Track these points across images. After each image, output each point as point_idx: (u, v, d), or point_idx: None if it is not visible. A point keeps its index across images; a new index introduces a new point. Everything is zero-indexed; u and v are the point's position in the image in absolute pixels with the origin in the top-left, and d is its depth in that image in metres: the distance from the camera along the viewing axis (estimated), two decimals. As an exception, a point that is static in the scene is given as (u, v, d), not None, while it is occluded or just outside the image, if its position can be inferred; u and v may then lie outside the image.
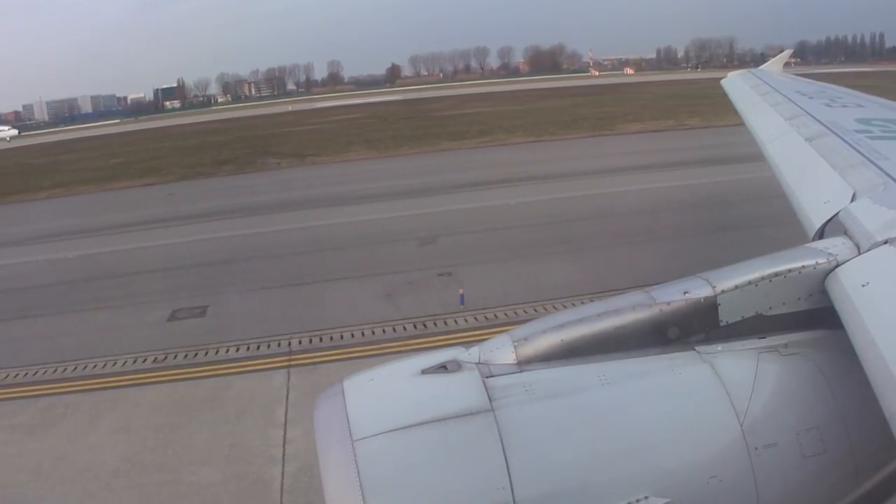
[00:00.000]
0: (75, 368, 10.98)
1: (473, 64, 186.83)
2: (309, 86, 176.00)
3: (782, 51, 16.71)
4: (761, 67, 12.64)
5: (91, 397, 9.89)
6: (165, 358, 11.02)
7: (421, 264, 14.70)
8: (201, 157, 40.93)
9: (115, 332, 12.48)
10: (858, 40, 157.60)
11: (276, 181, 29.40)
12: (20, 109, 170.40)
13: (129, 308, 13.82)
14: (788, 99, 7.41)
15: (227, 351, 11.11)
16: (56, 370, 11.00)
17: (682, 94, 55.63)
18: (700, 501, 2.40)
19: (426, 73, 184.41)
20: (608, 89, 73.55)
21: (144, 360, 11.00)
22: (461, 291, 12.20)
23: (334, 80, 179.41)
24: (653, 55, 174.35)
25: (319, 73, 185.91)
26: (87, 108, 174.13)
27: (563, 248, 15.12)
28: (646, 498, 2.34)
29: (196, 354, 11.08)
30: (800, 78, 10.59)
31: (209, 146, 47.91)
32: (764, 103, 7.78)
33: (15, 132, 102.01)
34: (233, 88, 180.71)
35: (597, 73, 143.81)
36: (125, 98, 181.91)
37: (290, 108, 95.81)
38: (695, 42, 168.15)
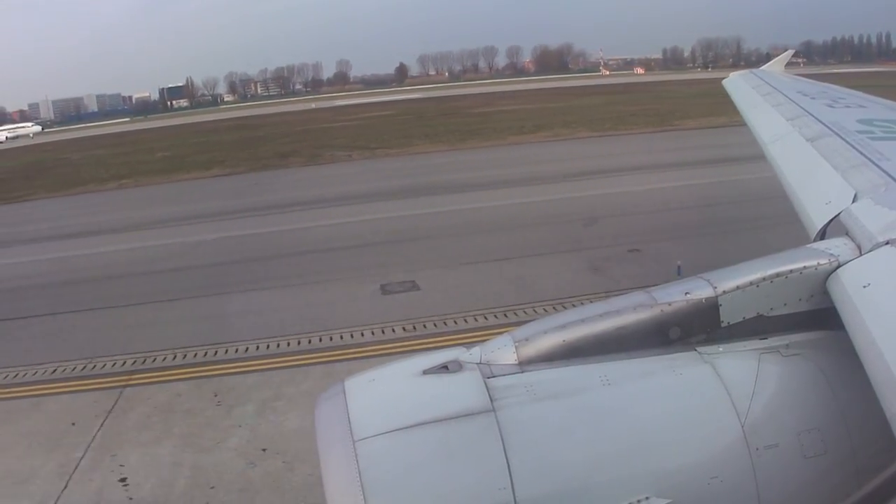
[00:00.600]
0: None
1: (481, 64, 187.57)
2: (318, 85, 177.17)
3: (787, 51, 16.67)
4: (763, 68, 12.63)
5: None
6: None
7: (602, 242, 14.76)
8: (256, 151, 41.28)
9: (341, 305, 12.63)
10: (865, 40, 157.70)
11: (368, 171, 29.50)
12: (26, 108, 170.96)
13: (336, 283, 13.93)
14: (790, 99, 7.41)
15: (447, 323, 11.15)
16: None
17: (708, 93, 55.42)
18: (701, 502, 2.40)
19: (433, 73, 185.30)
20: (630, 88, 73.81)
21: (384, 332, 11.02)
22: (678, 263, 11.88)
23: (343, 80, 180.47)
24: (657, 55, 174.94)
25: (326, 73, 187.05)
26: (93, 107, 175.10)
27: (747, 225, 14.44)
28: (647, 498, 2.34)
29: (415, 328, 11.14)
30: (801, 78, 10.57)
31: (255, 140, 48.32)
32: (766, 104, 7.77)
33: (38, 129, 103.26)
34: (239, 88, 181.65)
35: (607, 73, 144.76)
36: (130, 97, 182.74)
37: (313, 105, 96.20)
38: (701, 42, 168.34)
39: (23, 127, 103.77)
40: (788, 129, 6.08)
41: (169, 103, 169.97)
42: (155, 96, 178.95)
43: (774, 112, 7.09)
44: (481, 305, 11.74)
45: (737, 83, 10.48)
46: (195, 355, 10.77)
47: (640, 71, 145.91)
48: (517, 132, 38.64)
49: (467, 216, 18.88)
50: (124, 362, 10.72)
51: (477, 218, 18.47)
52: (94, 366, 10.71)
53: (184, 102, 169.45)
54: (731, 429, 2.46)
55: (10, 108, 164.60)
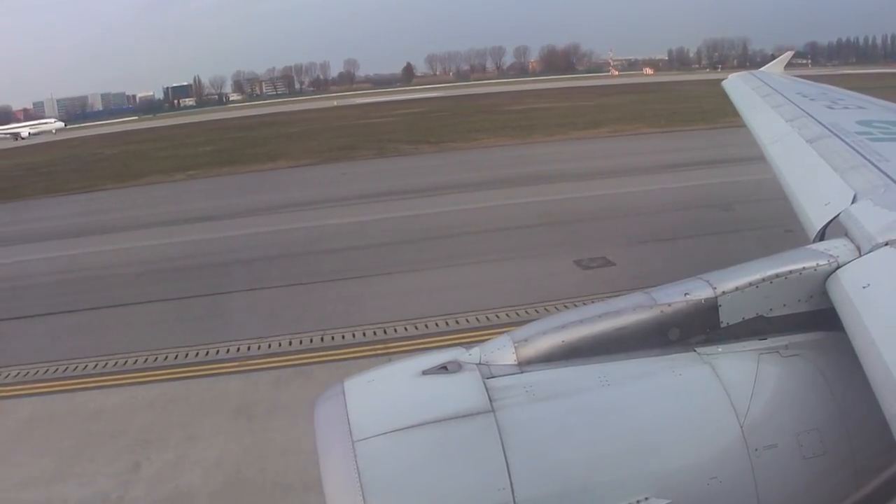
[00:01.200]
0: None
1: (489, 64, 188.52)
2: (325, 84, 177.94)
3: (794, 52, 16.73)
4: (762, 69, 12.65)
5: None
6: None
7: (753, 224, 14.36)
8: (308, 144, 41.27)
9: (547, 278, 12.74)
10: (870, 42, 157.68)
11: (457, 162, 29.55)
12: (30, 107, 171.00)
13: (532, 259, 14.02)
14: (789, 101, 7.42)
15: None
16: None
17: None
18: (700, 502, 2.40)
19: (440, 73, 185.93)
20: (649, 87, 73.76)
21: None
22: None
23: (351, 79, 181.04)
24: (661, 55, 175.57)
25: (332, 72, 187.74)
26: (98, 106, 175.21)
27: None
28: (646, 499, 2.34)
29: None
30: (801, 80, 10.60)
31: (299, 135, 48.60)
32: (765, 105, 7.79)
33: (61, 124, 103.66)
34: (246, 87, 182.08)
35: (616, 73, 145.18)
36: (133, 96, 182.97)
37: (335, 103, 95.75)
38: (707, 42, 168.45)
39: (45, 123, 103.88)
40: (788, 130, 6.09)
41: (176, 102, 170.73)
42: (158, 95, 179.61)
43: (774, 113, 7.10)
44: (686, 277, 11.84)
45: (736, 84, 10.50)
46: (456, 322, 10.93)
47: (650, 71, 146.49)
48: (576, 127, 38.48)
49: (617, 200, 18.83)
50: (415, 327, 10.91)
51: (631, 202, 18.46)
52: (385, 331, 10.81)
53: (190, 101, 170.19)
54: (731, 429, 2.46)
55: (15, 106, 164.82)
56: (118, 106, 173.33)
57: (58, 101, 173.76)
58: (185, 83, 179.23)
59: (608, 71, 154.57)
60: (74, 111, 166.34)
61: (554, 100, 64.56)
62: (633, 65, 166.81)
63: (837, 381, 2.57)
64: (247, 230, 19.14)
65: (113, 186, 32.10)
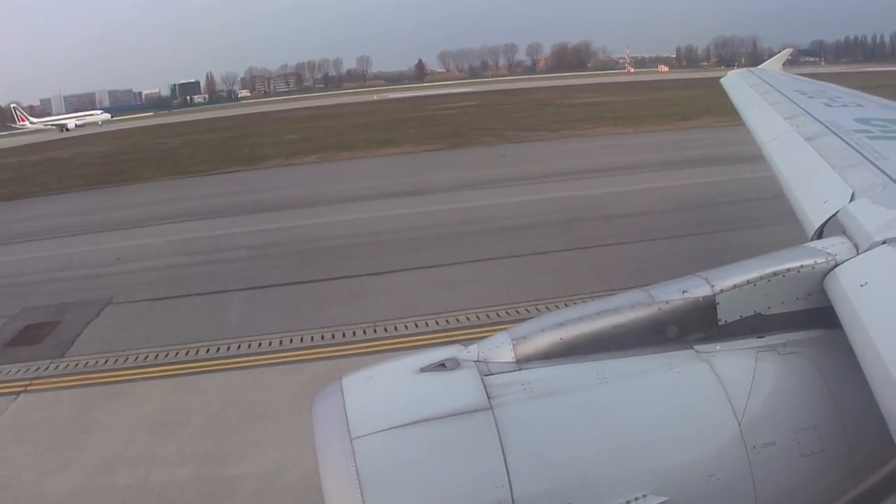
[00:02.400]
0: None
1: (501, 61, 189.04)
2: (340, 80, 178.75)
3: (799, 50, 16.70)
4: (761, 66, 12.63)
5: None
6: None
7: None
8: (412, 132, 41.16)
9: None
10: (878, 40, 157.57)
11: (597, 147, 29.32)
12: (37, 104, 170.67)
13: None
14: (788, 98, 7.41)
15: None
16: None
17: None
18: (698, 500, 2.41)
19: (451, 70, 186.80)
20: (687, 84, 71.48)
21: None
22: None
23: (363, 76, 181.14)
24: (667, 53, 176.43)
25: (327, 70, 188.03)
26: (105, 102, 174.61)
27: None
28: (644, 496, 2.35)
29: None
30: (799, 77, 10.58)
31: (381, 124, 48.37)
32: (763, 102, 7.78)
33: (107, 116, 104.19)
34: (254, 84, 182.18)
35: (632, 71, 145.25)
36: (139, 94, 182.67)
37: (374, 97, 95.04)
38: (717, 40, 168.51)
39: (91, 114, 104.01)
40: (786, 127, 6.08)
41: (188, 98, 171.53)
42: (164, 92, 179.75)
43: (772, 111, 7.09)
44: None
45: (735, 82, 10.49)
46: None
47: (665, 69, 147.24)
48: (682, 117, 37.54)
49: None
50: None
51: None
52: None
53: (200, 98, 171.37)
54: (729, 427, 2.46)
55: (23, 103, 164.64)
56: (125, 103, 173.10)
57: (65, 97, 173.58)
58: (193, 80, 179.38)
59: (624, 68, 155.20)
60: (83, 108, 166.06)
61: (607, 94, 63.23)
62: (639, 62, 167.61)
63: (835, 379, 2.57)
64: (503, 200, 19.52)
65: (240, 168, 32.26)
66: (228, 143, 45.94)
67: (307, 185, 26.03)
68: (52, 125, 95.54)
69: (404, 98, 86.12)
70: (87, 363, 10.51)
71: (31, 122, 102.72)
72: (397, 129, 43.56)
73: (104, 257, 16.95)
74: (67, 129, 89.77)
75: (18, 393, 9.66)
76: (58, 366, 10.51)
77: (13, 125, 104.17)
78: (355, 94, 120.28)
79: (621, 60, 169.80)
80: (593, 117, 41.50)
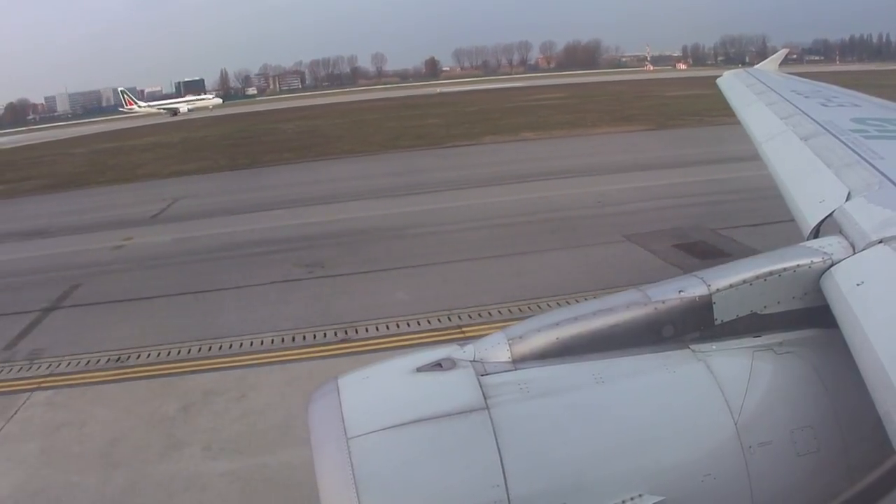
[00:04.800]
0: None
1: (512, 59, 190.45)
2: (355, 78, 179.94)
3: (802, 49, 16.75)
4: (757, 66, 12.65)
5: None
6: None
7: None
8: (570, 118, 41.22)
9: None
10: (884, 39, 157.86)
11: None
12: (42, 101, 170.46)
13: None
14: (784, 98, 7.42)
15: None
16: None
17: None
18: (694, 499, 2.41)
19: (462, 68, 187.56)
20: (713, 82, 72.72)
21: None
22: None
23: (379, 73, 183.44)
24: (672, 51, 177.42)
25: (344, 68, 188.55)
26: (110, 100, 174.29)
27: None
28: (640, 496, 2.34)
29: None
30: (795, 77, 10.59)
31: (532, 110, 48.56)
32: (759, 102, 7.78)
33: (219, 101, 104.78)
34: (264, 80, 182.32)
35: (651, 68, 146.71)
36: (142, 91, 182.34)
37: (438, 90, 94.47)
38: (725, 38, 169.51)
39: (202, 99, 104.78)
40: (782, 127, 6.08)
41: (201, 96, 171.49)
42: (166, 90, 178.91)
43: (768, 111, 7.10)
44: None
45: (731, 82, 10.49)
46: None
47: (682, 66, 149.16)
48: None
49: None
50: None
51: None
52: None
53: (210, 95, 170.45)
54: (725, 426, 2.46)
55: (31, 100, 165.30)
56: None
57: (70, 95, 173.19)
58: (196, 78, 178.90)
59: (643, 66, 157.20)
60: (88, 105, 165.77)
61: (683, 88, 62.54)
62: (654, 60, 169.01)
63: (831, 378, 2.57)
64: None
65: (422, 148, 33.00)
66: (406, 120, 46.70)
67: (600, 154, 26.26)
68: (163, 109, 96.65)
69: (470, 91, 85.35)
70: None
71: (140, 106, 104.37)
72: (562, 114, 43.68)
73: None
74: (180, 113, 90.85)
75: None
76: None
77: (122, 109, 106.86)
78: (387, 89, 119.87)
79: (634, 58, 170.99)
80: (718, 106, 41.58)
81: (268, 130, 51.08)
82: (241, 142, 43.99)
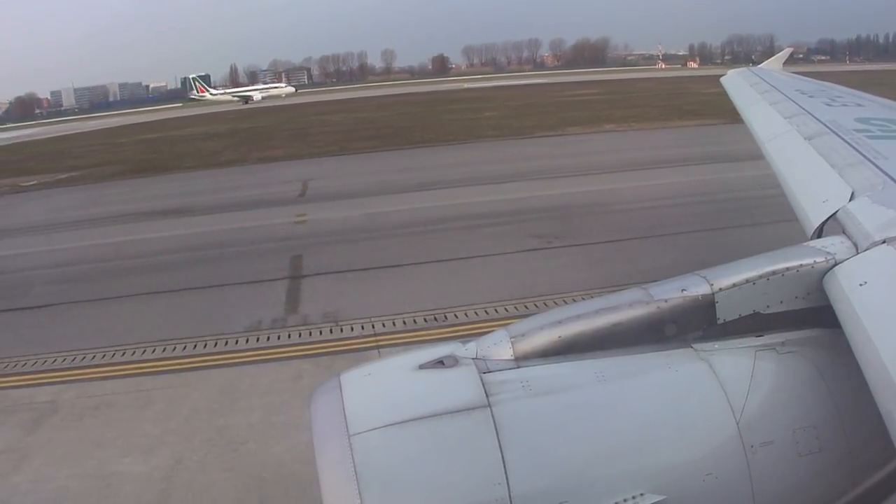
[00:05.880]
0: None
1: (522, 56, 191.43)
2: (364, 74, 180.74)
3: (808, 49, 16.72)
4: (761, 65, 12.62)
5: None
6: None
7: None
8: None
9: None
10: (891, 39, 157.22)
11: None
12: (48, 96, 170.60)
13: None
14: (788, 97, 7.40)
15: None
16: None
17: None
18: (696, 498, 2.40)
19: (472, 65, 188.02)
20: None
21: None
22: None
23: (389, 70, 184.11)
24: (677, 50, 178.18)
25: (352, 64, 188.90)
26: (117, 95, 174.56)
27: None
28: (641, 495, 2.34)
29: None
30: (799, 76, 10.57)
31: (580, 105, 48.63)
32: (763, 101, 7.76)
33: (291, 90, 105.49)
34: (273, 76, 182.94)
35: (663, 66, 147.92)
36: (147, 86, 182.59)
37: (465, 85, 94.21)
38: (733, 38, 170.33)
39: (276, 87, 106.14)
40: (786, 127, 6.07)
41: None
42: (171, 86, 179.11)
43: (772, 110, 7.08)
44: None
45: (735, 81, 10.47)
46: None
47: (694, 65, 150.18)
48: None
49: None
50: None
51: None
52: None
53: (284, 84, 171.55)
54: (727, 426, 2.46)
55: (38, 95, 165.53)
56: (135, 96, 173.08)
57: (76, 90, 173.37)
58: (202, 74, 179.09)
59: (655, 64, 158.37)
60: (96, 100, 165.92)
61: (707, 86, 62.81)
62: (647, 59, 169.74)
63: (834, 379, 2.57)
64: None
65: (547, 134, 33.40)
66: (460, 113, 46.86)
67: (711, 144, 25.66)
68: (237, 96, 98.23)
69: (493, 87, 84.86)
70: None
71: (212, 94, 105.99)
72: (619, 109, 43.55)
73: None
74: (254, 100, 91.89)
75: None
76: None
77: (193, 95, 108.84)
78: (398, 86, 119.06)
79: (641, 57, 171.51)
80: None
81: (319, 122, 51.03)
82: (301, 132, 43.76)
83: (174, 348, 10.22)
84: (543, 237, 14.67)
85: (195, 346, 10.23)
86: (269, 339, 10.35)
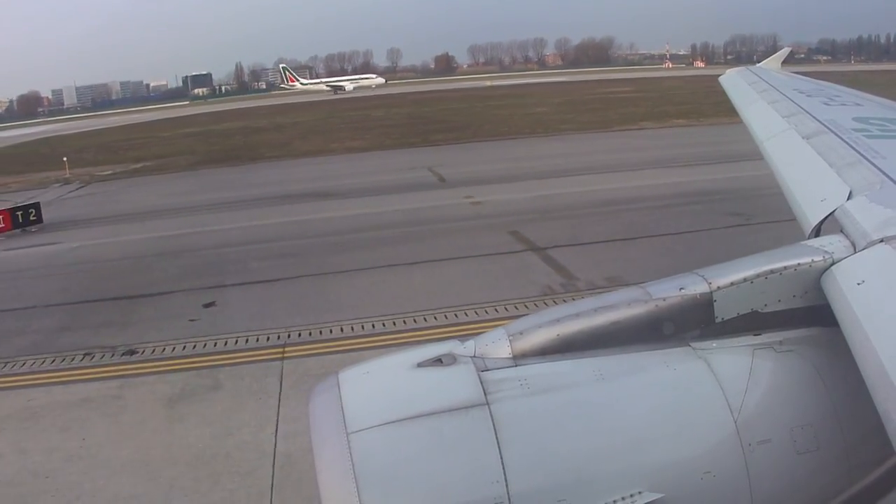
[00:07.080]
0: None
1: (527, 55, 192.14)
2: (368, 72, 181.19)
3: (809, 49, 16.76)
4: (759, 65, 12.62)
5: None
6: None
7: None
8: (680, 109, 42.38)
9: None
10: (892, 39, 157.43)
11: None
12: (49, 94, 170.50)
13: None
14: (786, 97, 7.41)
15: None
16: None
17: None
18: (694, 497, 2.41)
19: (477, 64, 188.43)
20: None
21: None
22: None
23: (394, 69, 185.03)
24: (678, 50, 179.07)
25: (356, 62, 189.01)
26: (119, 93, 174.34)
27: None
28: (639, 493, 2.35)
29: None
30: (798, 76, 10.57)
31: (623, 102, 49.50)
32: (762, 101, 7.76)
33: (381, 81, 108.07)
34: (277, 75, 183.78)
35: (670, 66, 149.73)
36: (147, 85, 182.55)
37: (488, 83, 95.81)
38: (736, 37, 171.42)
39: (367, 78, 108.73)
40: (784, 126, 6.07)
41: (219, 89, 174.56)
42: (172, 84, 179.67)
43: (770, 109, 7.08)
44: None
45: (733, 80, 10.47)
46: None
47: (701, 64, 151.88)
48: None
49: None
50: None
51: None
52: None
53: (223, 89, 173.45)
54: (725, 424, 2.46)
55: (42, 93, 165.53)
56: (137, 94, 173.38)
57: (77, 88, 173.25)
58: (204, 73, 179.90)
59: (662, 63, 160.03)
60: (98, 99, 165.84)
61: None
62: (646, 58, 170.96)
63: (831, 377, 2.57)
64: None
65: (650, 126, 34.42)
66: (507, 109, 47.98)
67: None
68: (329, 86, 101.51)
69: (524, 85, 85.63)
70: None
71: (302, 83, 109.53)
72: (670, 105, 44.43)
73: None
74: (346, 90, 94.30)
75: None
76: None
77: (283, 85, 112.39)
78: (409, 84, 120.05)
79: (644, 56, 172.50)
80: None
81: (363, 117, 51.89)
82: (358, 126, 44.13)
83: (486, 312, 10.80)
84: (741, 215, 15.48)
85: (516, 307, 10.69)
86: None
